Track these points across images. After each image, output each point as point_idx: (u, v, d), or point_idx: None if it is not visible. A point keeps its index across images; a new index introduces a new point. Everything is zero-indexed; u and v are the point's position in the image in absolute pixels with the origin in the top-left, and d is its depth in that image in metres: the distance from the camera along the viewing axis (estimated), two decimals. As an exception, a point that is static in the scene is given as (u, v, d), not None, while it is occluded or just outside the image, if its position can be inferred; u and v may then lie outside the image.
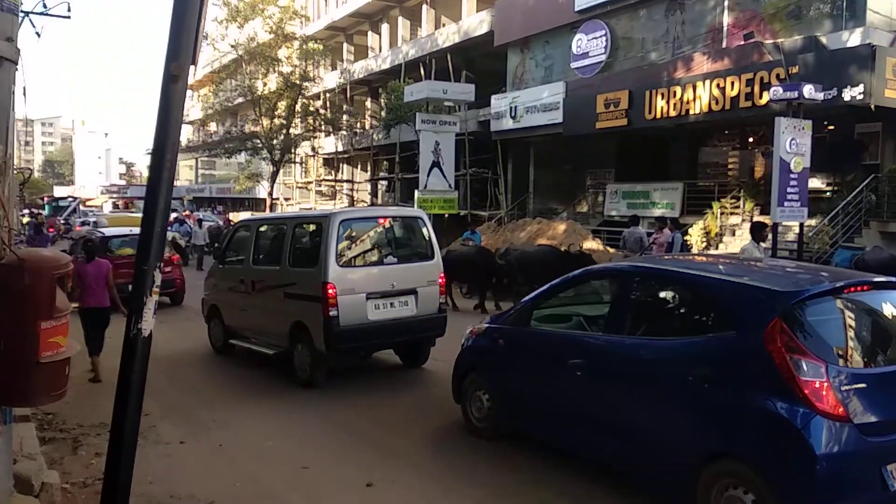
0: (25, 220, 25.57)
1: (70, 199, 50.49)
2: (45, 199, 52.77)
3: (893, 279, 4.69)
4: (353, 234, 8.04)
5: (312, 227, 8.41)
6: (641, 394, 4.66)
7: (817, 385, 3.82)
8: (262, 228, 9.49)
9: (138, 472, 5.31)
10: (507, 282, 13.85)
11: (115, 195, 65.51)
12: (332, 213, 8.08)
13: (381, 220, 8.53)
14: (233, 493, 4.96)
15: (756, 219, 17.22)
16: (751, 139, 20.13)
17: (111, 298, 8.34)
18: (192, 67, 2.57)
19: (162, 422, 6.59)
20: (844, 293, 4.38)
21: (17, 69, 2.45)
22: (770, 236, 8.85)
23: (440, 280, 8.35)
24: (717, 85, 16.81)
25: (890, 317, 4.51)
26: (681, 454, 4.32)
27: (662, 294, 5.21)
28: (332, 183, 40.67)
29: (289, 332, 8.06)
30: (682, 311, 5.05)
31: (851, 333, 4.34)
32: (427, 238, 8.44)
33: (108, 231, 16.40)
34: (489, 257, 14.01)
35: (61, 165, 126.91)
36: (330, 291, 7.47)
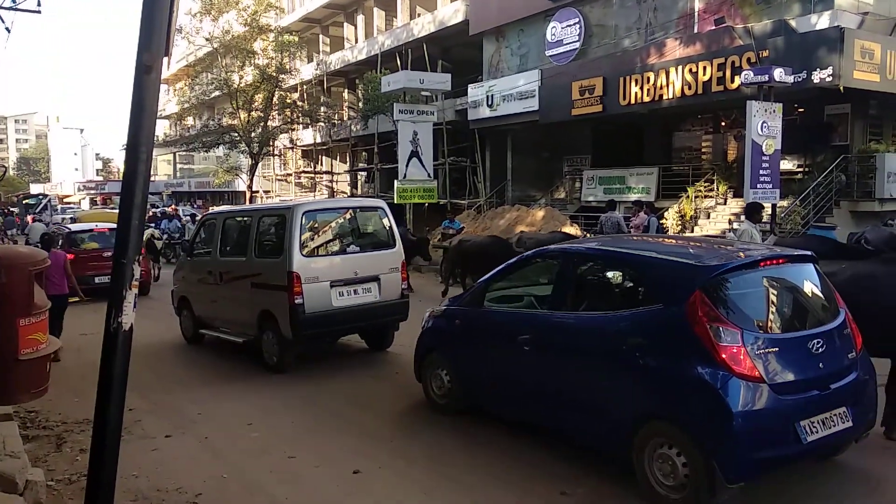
0: None
1: (41, 197, 49.69)
2: (18, 196, 52.01)
3: (807, 253, 5.08)
4: (316, 225, 8.32)
5: (276, 219, 8.53)
6: (582, 364, 5.05)
7: (734, 350, 4.19)
8: (229, 221, 9.65)
9: (124, 467, 5.37)
10: None
11: (92, 191, 64.59)
12: (295, 205, 8.30)
13: (343, 212, 8.84)
14: (220, 486, 4.99)
15: (728, 201, 17.51)
16: (723, 123, 20.37)
17: (69, 286, 9.27)
18: (165, 59, 2.60)
19: (147, 416, 6.60)
20: (760, 266, 4.76)
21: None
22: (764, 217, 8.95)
23: (401, 267, 8.64)
24: (690, 70, 17.00)
25: (802, 287, 4.90)
26: (617, 418, 4.66)
27: (599, 272, 5.63)
28: (312, 175, 40.51)
29: (257, 321, 8.28)
30: (616, 287, 5.42)
31: (766, 303, 4.72)
32: (388, 228, 8.72)
33: (74, 227, 17.31)
34: (506, 246, 12.92)
35: (37, 163, 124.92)
36: (295, 280, 7.72)
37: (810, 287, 4.90)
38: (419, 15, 31.39)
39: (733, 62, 16.00)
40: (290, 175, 41.69)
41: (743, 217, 9.09)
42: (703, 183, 18.56)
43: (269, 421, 6.43)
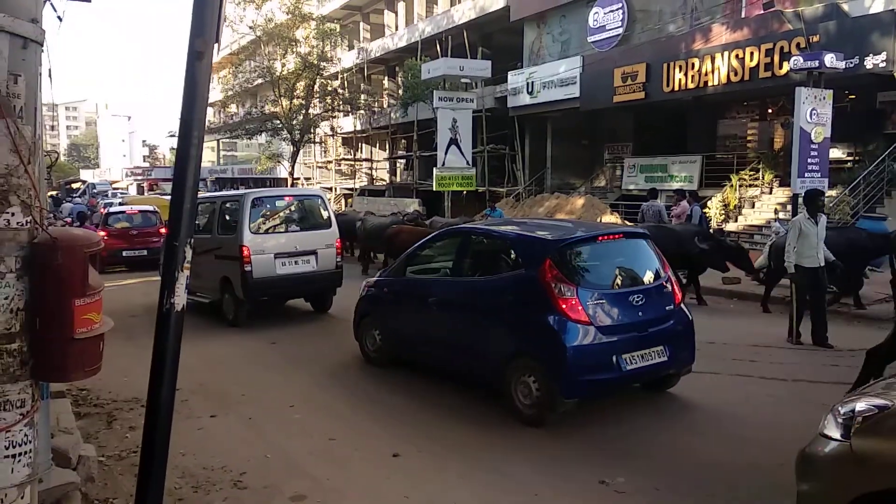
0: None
1: (87, 185, 51.11)
2: (61, 182, 53.42)
3: (641, 230, 6.67)
4: (264, 209, 10.27)
5: (234, 204, 10.37)
6: (471, 317, 6.45)
7: (572, 302, 5.55)
8: (200, 205, 11.00)
9: (172, 445, 5.42)
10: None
11: (139, 177, 66.05)
12: (246, 193, 10.47)
13: (287, 198, 11.00)
14: (263, 465, 5.10)
15: (774, 190, 17.08)
16: (770, 110, 19.90)
17: None
18: (215, 45, 2.65)
19: (193, 396, 6.76)
20: (598, 240, 6.32)
21: (42, 51, 2.54)
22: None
23: (336, 244, 10.54)
24: (736, 56, 16.62)
25: (632, 256, 6.37)
26: (495, 357, 6.01)
27: (485, 247, 7.07)
28: (352, 162, 40.76)
29: (219, 285, 10.29)
30: (496, 257, 6.76)
31: (598, 266, 6.18)
32: (326, 211, 10.74)
33: (110, 209, 20.67)
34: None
35: (86, 149, 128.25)
36: (245, 252, 9.67)
37: (639, 256, 6.34)
38: (459, 1, 31.23)
39: (782, 48, 15.59)
40: (331, 162, 42.01)
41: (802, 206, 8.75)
42: (748, 171, 18.18)
43: (310, 403, 6.54)
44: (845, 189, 15.12)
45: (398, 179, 35.49)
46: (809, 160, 12.60)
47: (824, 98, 12.52)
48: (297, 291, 10.65)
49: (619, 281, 6.09)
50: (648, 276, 6.18)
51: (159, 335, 2.44)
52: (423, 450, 5.31)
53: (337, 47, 34.57)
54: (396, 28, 35.88)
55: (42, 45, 2.53)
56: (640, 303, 5.82)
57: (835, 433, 3.20)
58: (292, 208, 10.70)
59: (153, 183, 56.23)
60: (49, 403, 3.86)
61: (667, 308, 6.03)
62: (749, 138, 20.69)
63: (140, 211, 19.00)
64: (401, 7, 35.89)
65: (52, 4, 13.66)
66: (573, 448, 5.29)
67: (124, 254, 17.02)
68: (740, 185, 17.93)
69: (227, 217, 10.48)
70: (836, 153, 16.23)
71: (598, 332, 5.54)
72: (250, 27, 33.18)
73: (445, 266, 7.19)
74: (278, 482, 4.79)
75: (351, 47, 38.13)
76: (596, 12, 22.40)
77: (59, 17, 14.39)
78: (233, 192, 13.79)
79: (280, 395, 6.81)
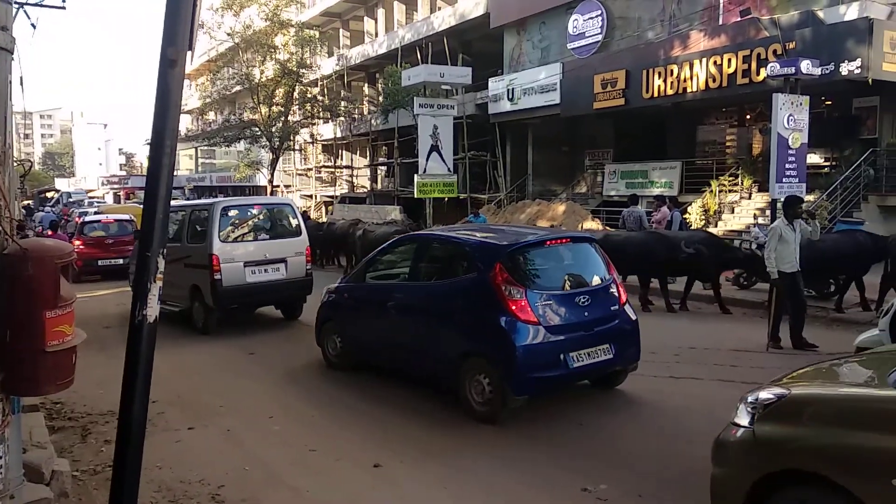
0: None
1: (62, 194, 50.63)
2: (34, 191, 52.90)
3: (588, 235, 7.16)
4: (233, 217, 10.34)
5: (203, 213, 10.39)
6: (427, 320, 6.65)
7: (522, 303, 5.78)
8: (170, 214, 11.00)
9: (148, 458, 5.40)
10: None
11: (115, 185, 65.37)
12: (216, 202, 10.42)
13: (256, 207, 11.00)
14: (242, 477, 5.01)
15: (753, 195, 17.25)
16: (748, 116, 20.11)
17: None
18: (189, 53, 2.60)
19: (170, 408, 6.65)
20: (546, 245, 6.59)
21: (13, 59, 2.46)
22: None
23: (306, 251, 10.63)
24: (715, 62, 16.79)
25: (578, 259, 6.67)
26: (450, 358, 6.21)
27: (439, 252, 7.29)
28: (332, 169, 40.60)
29: (189, 293, 10.30)
30: (450, 262, 6.97)
31: (546, 270, 6.41)
32: (295, 220, 10.82)
33: (85, 218, 20.63)
34: (667, 241, 11.30)
35: (61, 157, 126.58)
36: (214, 260, 9.71)
37: (585, 259, 6.65)
38: (440, 8, 31.32)
39: (759, 54, 15.77)
40: (311, 170, 41.81)
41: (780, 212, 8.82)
42: (728, 177, 18.34)
43: (290, 413, 6.46)
44: (823, 194, 15.30)
45: (379, 187, 35.40)
46: (787, 165, 12.73)
47: (801, 104, 12.66)
48: (267, 299, 10.74)
49: (566, 283, 6.38)
50: (594, 279, 6.49)
51: (132, 347, 2.37)
52: (404, 459, 5.25)
53: (316, 54, 34.45)
54: (376, 35, 35.86)
55: (12, 54, 2.46)
56: (586, 303, 6.12)
57: (743, 420, 3.44)
58: (262, 217, 10.79)
59: (129, 191, 55.70)
60: (21, 417, 3.75)
61: (612, 308, 6.33)
62: (728, 144, 20.89)
63: (115, 220, 19.06)
64: (380, 14, 35.90)
65: (25, 12, 13.26)
66: (556, 454, 5.26)
67: (99, 263, 17.09)
68: (720, 191, 18.08)
69: (197, 226, 10.47)
70: (813, 158, 16.43)
71: (546, 332, 5.81)
72: (228, 34, 32.99)
73: (403, 271, 7.41)
74: (257, 494, 4.71)
75: (331, 54, 38.04)
76: (575, 19, 22.55)
77: (32, 25, 13.97)
78: (202, 200, 13.74)
79: (258, 406, 6.72)
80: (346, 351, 7.79)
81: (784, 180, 12.68)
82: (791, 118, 12.55)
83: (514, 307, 5.77)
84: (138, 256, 2.35)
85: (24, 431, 5.10)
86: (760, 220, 15.61)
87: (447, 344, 6.33)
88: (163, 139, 2.25)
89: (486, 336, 5.98)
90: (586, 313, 6.07)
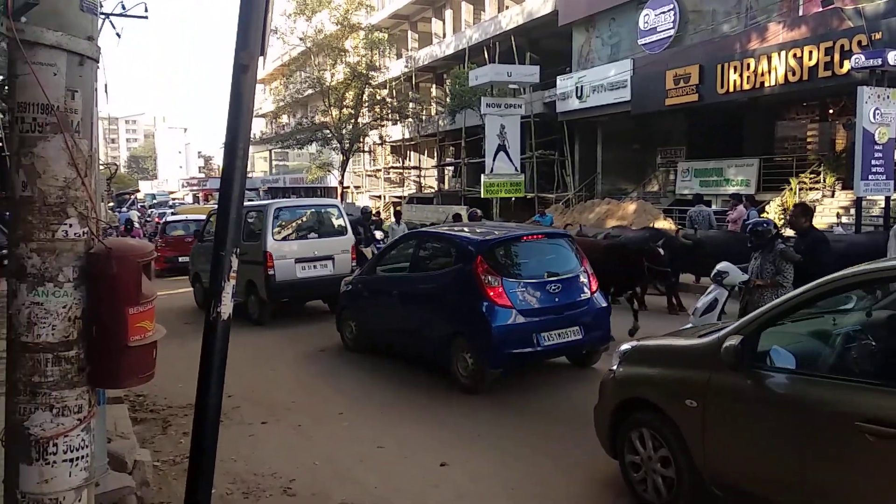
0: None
1: (131, 195, 53.09)
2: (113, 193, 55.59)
3: (562, 231, 9.28)
4: (286, 218, 11.23)
5: (258, 213, 11.23)
6: (424, 306, 7.57)
7: (499, 290, 6.70)
8: None
9: (223, 451, 5.61)
10: None
11: (194, 187, 67.92)
12: (270, 203, 11.44)
13: (307, 208, 11.94)
14: (312, 472, 5.13)
15: (836, 193, 16.47)
16: (831, 111, 19.24)
17: None
18: (261, 59, 2.68)
19: (245, 403, 6.87)
20: (522, 240, 7.58)
21: (98, 67, 2.60)
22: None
23: (351, 249, 11.46)
24: (794, 55, 16.13)
25: (552, 252, 7.52)
26: (442, 338, 7.11)
27: (434, 246, 8.18)
28: (400, 170, 41.04)
29: (245, 288, 10.97)
30: (442, 255, 7.88)
31: (521, 261, 7.38)
32: (342, 219, 11.66)
33: (166, 218, 22.64)
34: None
35: (145, 161, 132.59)
36: (269, 257, 10.53)
37: (558, 253, 7.50)
38: (507, 7, 31.21)
39: (842, 46, 15.06)
40: (380, 171, 42.39)
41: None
42: (809, 174, 17.60)
43: (359, 410, 6.57)
44: (911, 191, 14.48)
45: (446, 187, 35.57)
46: (873, 162, 12.16)
47: (888, 97, 12.08)
48: (316, 293, 11.38)
49: (539, 273, 7.15)
50: (566, 269, 7.28)
51: (207, 343, 2.47)
52: (470, 459, 5.27)
53: (385, 56, 34.91)
54: (444, 36, 36.04)
55: (98, 62, 2.59)
56: (557, 291, 6.98)
57: (614, 366, 4.64)
58: (311, 217, 11.66)
59: (208, 193, 57.72)
60: (105, 409, 3.95)
61: (582, 296, 7.17)
62: (809, 140, 20.05)
63: (194, 220, 20.19)
64: (448, 15, 36.05)
65: (111, 22, 13.95)
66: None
67: (180, 260, 17.79)
68: (800, 189, 17.36)
69: (253, 225, 11.26)
70: (901, 154, 15.59)
71: (519, 315, 6.67)
72: (301, 38, 33.77)
73: (405, 264, 8.32)
74: (327, 489, 4.81)
75: (399, 56, 38.47)
76: (647, 14, 22.06)
77: (117, 35, 14.69)
78: (257, 203, 14.58)
79: (328, 402, 6.86)
80: (361, 336, 8.75)
81: (870, 177, 12.12)
82: (878, 112, 11.97)
83: (491, 293, 6.67)
84: (213, 256, 2.44)
85: (109, 422, 5.36)
86: (844, 220, 14.91)
87: (439, 326, 7.22)
88: (236, 142, 2.33)
89: (469, 318, 6.86)
90: (557, 299, 6.95)
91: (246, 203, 20.04)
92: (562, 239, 7.80)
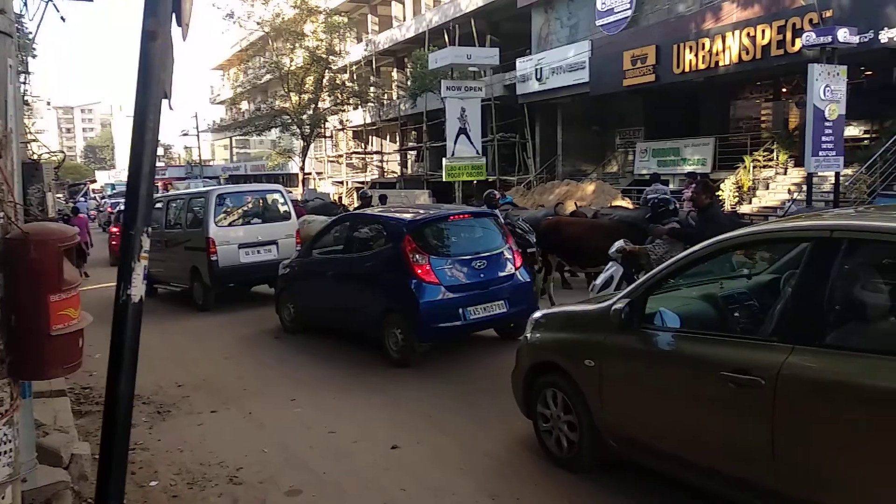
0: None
1: (82, 185, 51.83)
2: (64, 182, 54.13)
3: (489, 210, 8.98)
4: (228, 204, 11.25)
5: (201, 200, 11.31)
6: (357, 285, 7.84)
7: (426, 268, 7.00)
8: (171, 202, 12.54)
9: (170, 442, 5.52)
10: None
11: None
12: (211, 190, 11.68)
13: (250, 194, 12.06)
14: (261, 459, 5.03)
15: (789, 170, 16.72)
16: (784, 90, 19.55)
17: (84, 241, 14.15)
18: (182, 28, 2.52)
19: (195, 392, 6.72)
20: (449, 220, 7.84)
21: (13, 42, 2.44)
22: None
23: (296, 234, 11.44)
24: (748, 34, 16.30)
25: (478, 231, 7.91)
26: (375, 315, 7.43)
27: (366, 228, 8.47)
28: (362, 155, 40.69)
29: (189, 274, 11.21)
30: (373, 236, 8.20)
31: (448, 240, 7.69)
32: (286, 204, 11.79)
33: (119, 207, 22.37)
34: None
35: (102, 150, 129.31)
36: (211, 243, 10.59)
37: (484, 231, 7.86)
38: (467, -11, 30.97)
39: (794, 24, 15.26)
40: (342, 156, 41.99)
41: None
42: (762, 152, 17.87)
43: (312, 396, 6.48)
44: (862, 167, 14.79)
45: (409, 171, 35.38)
46: (824, 138, 12.35)
47: (838, 74, 12.25)
48: (260, 278, 11.29)
49: (465, 250, 7.50)
50: (491, 247, 7.61)
51: (116, 329, 2.34)
52: (422, 440, 5.22)
53: (345, 40, 34.44)
54: (404, 19, 35.68)
55: (11, 37, 2.44)
56: (482, 267, 7.30)
57: (528, 333, 4.96)
58: (255, 202, 11.76)
59: (167, 182, 56.51)
60: (31, 402, 3.78)
61: (506, 271, 7.50)
62: (763, 119, 20.35)
63: None
64: (408, -2, 35.70)
65: (55, 6, 13.41)
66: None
67: None
68: (754, 167, 17.63)
69: (195, 211, 11.42)
70: (852, 131, 15.91)
71: (446, 290, 6.99)
72: (258, 23, 33.13)
73: (340, 246, 8.58)
74: (275, 476, 4.71)
75: (359, 40, 38.00)
76: (604, -5, 22.09)
77: (62, 18, 14.19)
78: (199, 189, 14.56)
79: (281, 389, 6.76)
80: (298, 317, 8.99)
81: (820, 154, 12.32)
82: (828, 89, 12.15)
83: (419, 271, 6.97)
84: (121, 235, 2.32)
85: (49, 416, 5.19)
86: (796, 196, 15.17)
87: (372, 304, 7.54)
88: (145, 115, 2.21)
89: (398, 296, 7.16)
90: (482, 275, 7.27)
91: (189, 190, 19.65)
92: (487, 218, 8.13)
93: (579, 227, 9.92)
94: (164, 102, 2.67)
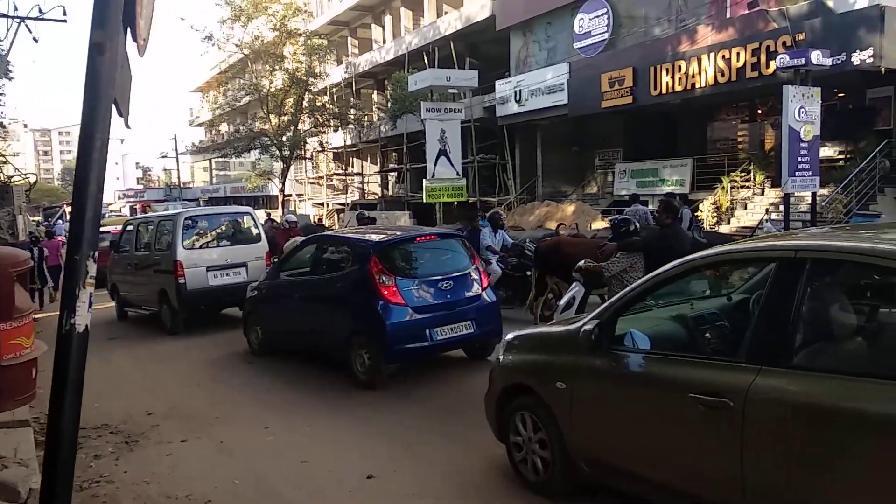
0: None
1: (57, 207, 51.29)
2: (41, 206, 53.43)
3: (454, 232, 9.12)
4: (196, 226, 11.10)
5: (168, 223, 11.20)
6: (324, 307, 7.78)
7: (392, 289, 6.98)
8: (140, 225, 12.52)
9: (137, 474, 5.31)
10: None
11: (132, 199, 65.83)
12: (179, 213, 11.55)
13: (218, 216, 11.84)
14: (231, 491, 4.85)
15: (766, 191, 16.85)
16: (760, 111, 19.78)
17: (56, 264, 14.27)
18: (139, 44, 2.42)
19: (164, 421, 6.52)
20: (416, 241, 7.91)
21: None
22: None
23: (266, 256, 11.31)
24: (723, 56, 16.49)
25: (444, 252, 7.84)
26: (342, 336, 7.37)
27: (333, 249, 8.40)
28: (343, 177, 40.58)
29: (158, 297, 11.01)
30: (340, 258, 8.10)
31: (415, 261, 7.70)
32: (255, 227, 11.70)
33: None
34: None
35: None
36: (178, 266, 10.45)
37: (451, 252, 7.80)
38: (446, 13, 31.21)
39: (768, 47, 15.46)
40: (322, 178, 41.84)
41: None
42: (740, 173, 18.01)
43: (284, 421, 6.30)
44: (838, 187, 14.94)
45: (390, 193, 35.31)
46: (800, 159, 12.45)
47: (812, 96, 12.38)
48: (229, 301, 11.03)
49: (432, 271, 7.46)
50: (457, 268, 7.57)
51: (60, 359, 2.19)
52: (397, 469, 5.07)
53: (325, 62, 34.46)
54: (384, 41, 35.83)
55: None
56: (449, 288, 7.29)
57: (500, 355, 4.89)
58: (224, 225, 11.56)
59: (146, 204, 55.99)
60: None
61: (473, 292, 7.49)
62: (740, 140, 20.55)
63: (120, 231, 19.39)
64: (388, 20, 35.86)
65: (27, 27, 13.34)
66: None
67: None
68: (732, 187, 17.76)
69: (163, 235, 11.26)
70: (827, 152, 16.09)
71: (412, 311, 6.99)
72: (237, 45, 33.07)
73: (307, 268, 8.48)
74: (244, 508, 4.54)
75: (339, 62, 38.07)
76: (581, 18, 22.32)
77: (34, 39, 14.07)
78: (168, 212, 14.52)
79: (253, 416, 6.56)
80: (266, 339, 8.88)
81: (797, 174, 12.40)
82: (802, 110, 12.27)
83: (385, 292, 6.95)
84: (66, 259, 2.19)
85: (10, 448, 4.98)
86: (773, 216, 15.27)
87: (339, 326, 7.48)
88: (92, 132, 2.09)
89: (365, 317, 7.11)
90: (449, 296, 7.26)
91: (158, 213, 19.46)
92: (453, 240, 8.13)
93: (580, 247, 9.85)
94: (121, 121, 2.55)
